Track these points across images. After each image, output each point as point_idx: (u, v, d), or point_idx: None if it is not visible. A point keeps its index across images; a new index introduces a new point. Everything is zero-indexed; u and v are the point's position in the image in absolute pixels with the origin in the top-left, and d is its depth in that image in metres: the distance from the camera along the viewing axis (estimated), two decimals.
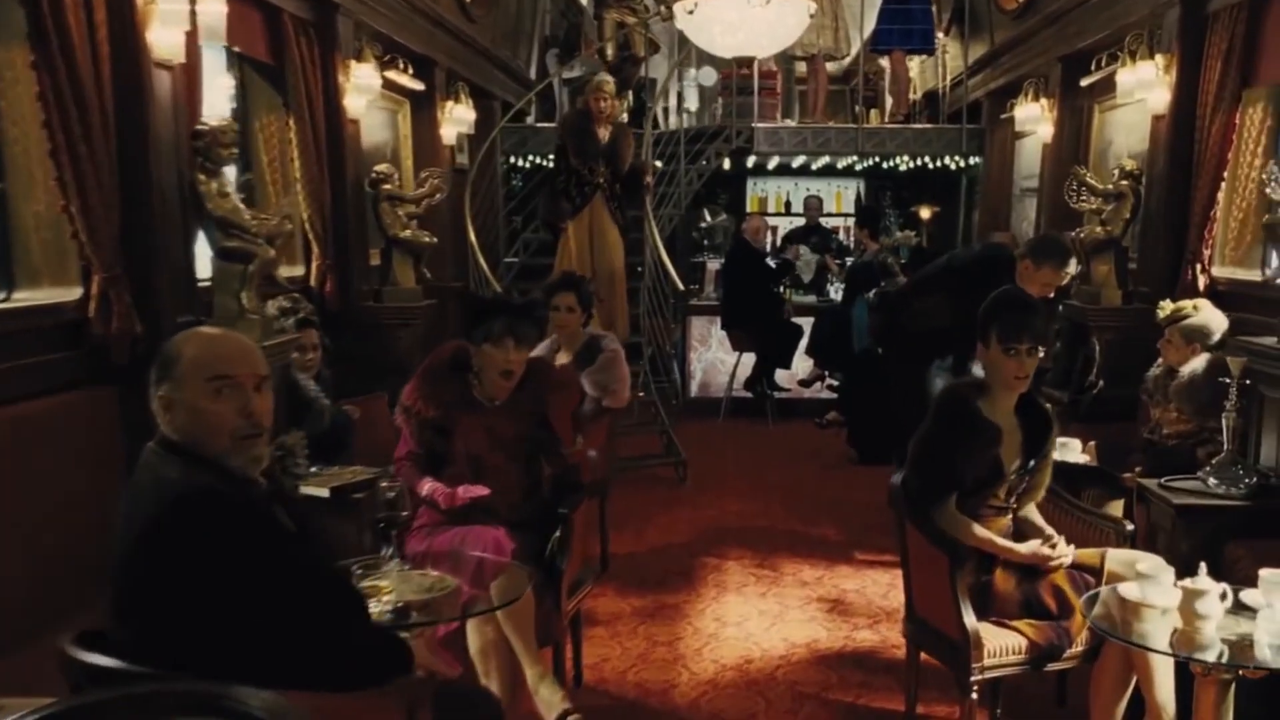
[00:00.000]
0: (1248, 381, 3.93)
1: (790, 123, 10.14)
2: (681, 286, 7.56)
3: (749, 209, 11.88)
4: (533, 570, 3.63)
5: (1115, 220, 5.70)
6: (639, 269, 7.76)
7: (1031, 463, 3.44)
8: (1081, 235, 5.78)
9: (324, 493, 4.01)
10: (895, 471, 6.22)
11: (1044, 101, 7.44)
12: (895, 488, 3.66)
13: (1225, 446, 3.92)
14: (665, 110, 12.28)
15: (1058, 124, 7.38)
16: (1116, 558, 3.35)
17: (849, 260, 9.89)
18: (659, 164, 9.05)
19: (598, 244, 7.27)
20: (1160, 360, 5.03)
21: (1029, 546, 3.35)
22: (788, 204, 12.00)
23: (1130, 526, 3.57)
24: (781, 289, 9.84)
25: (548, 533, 3.79)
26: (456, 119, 7.97)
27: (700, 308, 9.90)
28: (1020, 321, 3.32)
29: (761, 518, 6.58)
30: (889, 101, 11.06)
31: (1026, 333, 3.30)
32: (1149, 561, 3.15)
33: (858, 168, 11.08)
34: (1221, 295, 5.27)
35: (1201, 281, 5.37)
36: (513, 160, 10.32)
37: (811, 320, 9.38)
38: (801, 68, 11.45)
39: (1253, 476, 3.88)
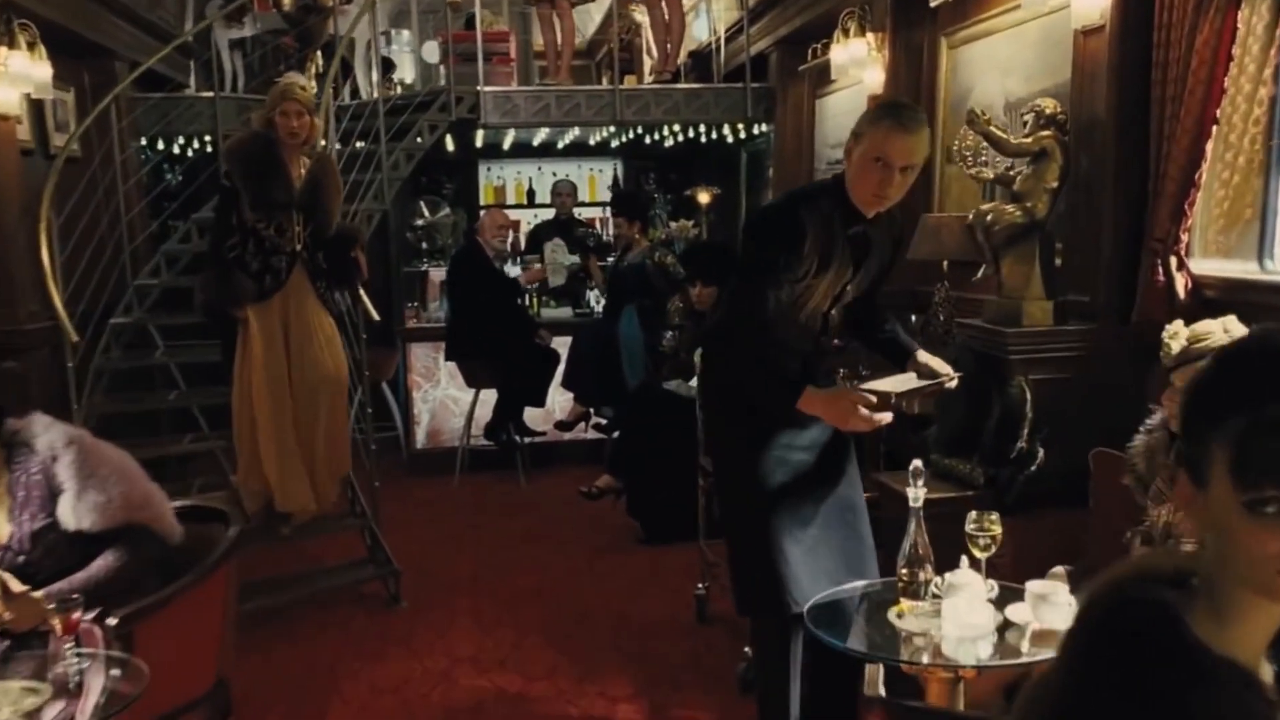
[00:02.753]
0: None
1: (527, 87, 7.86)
2: (376, 315, 5.15)
3: (483, 200, 9.56)
4: None
5: (1035, 193, 3.66)
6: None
7: None
8: (987, 219, 3.73)
9: None
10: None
11: (871, 38, 5.43)
12: None
13: None
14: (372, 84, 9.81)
15: (891, 67, 5.38)
16: None
17: (610, 260, 7.71)
18: (361, 143, 6.62)
19: (299, 343, 4.65)
20: (1156, 417, 3.04)
21: None
22: (530, 193, 9.74)
23: None
24: (526, 301, 7.58)
25: None
26: (15, 75, 5.25)
27: (422, 331, 7.54)
28: None
29: (511, 666, 4.27)
30: (648, 63, 8.94)
31: None
32: None
33: (614, 144, 8.94)
34: (1210, 305, 3.34)
35: (1180, 283, 3.41)
36: (160, 145, 7.63)
37: (568, 341, 7.19)
38: (539, 41, 9.18)
39: None
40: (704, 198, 7.90)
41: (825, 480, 3.10)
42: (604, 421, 7.11)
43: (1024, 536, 3.44)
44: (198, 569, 2.86)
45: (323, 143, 5.01)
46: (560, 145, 9.12)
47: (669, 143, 8.42)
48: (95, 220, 6.08)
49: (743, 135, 8.14)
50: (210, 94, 7.42)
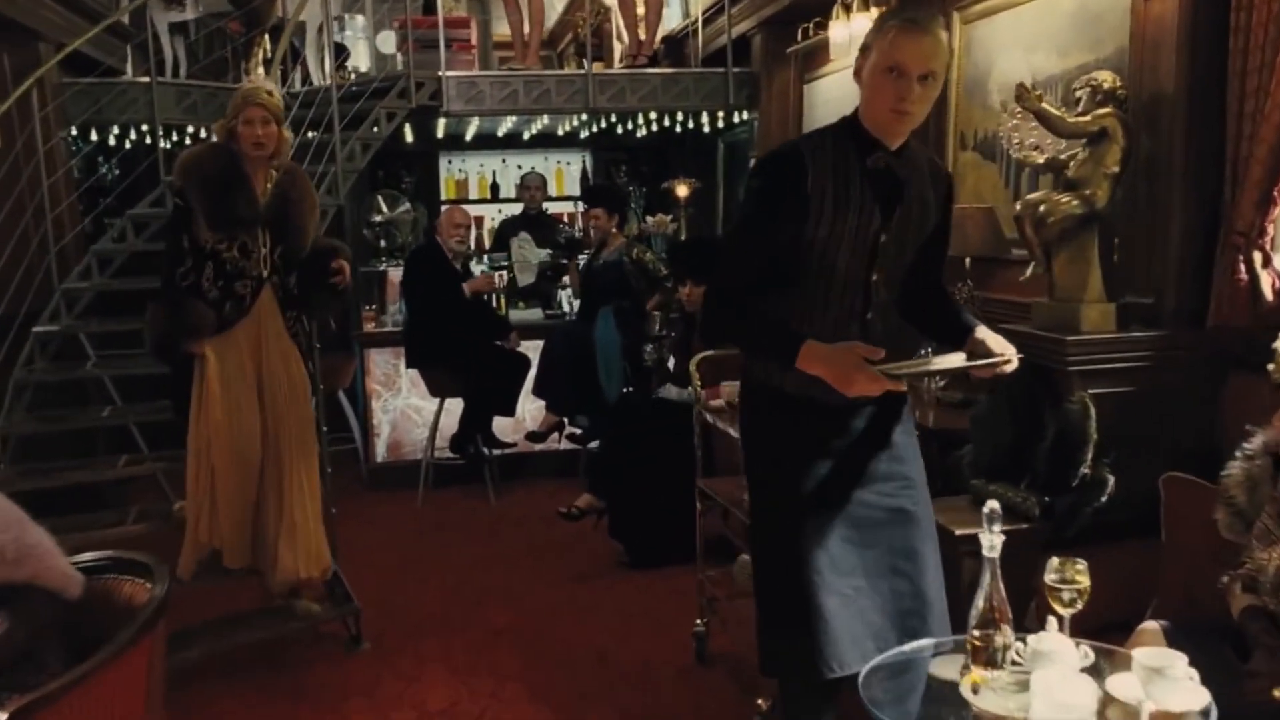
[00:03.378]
0: None
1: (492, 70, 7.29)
2: (332, 322, 4.61)
3: (444, 195, 9.02)
4: None
5: (1094, 180, 3.19)
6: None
7: None
8: (1039, 210, 3.25)
9: None
10: None
11: (875, 14, 4.94)
12: None
13: None
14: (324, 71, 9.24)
15: None
16: None
17: (585, 257, 7.18)
18: (312, 133, 6.07)
19: (270, 390, 4.07)
20: (1257, 441, 2.58)
21: None
22: (494, 187, 9.20)
23: None
24: (493, 299, 7.05)
25: None
26: None
27: (382, 336, 6.98)
28: None
29: None
30: (618, 49, 8.43)
31: None
32: None
33: (583, 135, 8.43)
34: None
35: (1266, 282, 2.96)
36: (93, 135, 7.04)
37: (539, 345, 6.66)
38: (504, 29, 8.65)
39: None
40: (682, 191, 7.41)
41: (878, 521, 2.61)
42: (579, 432, 6.62)
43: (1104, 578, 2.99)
44: (113, 643, 2.32)
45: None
46: (526, 136, 8.59)
47: (641, 133, 7.92)
48: (16, 216, 5.49)
49: (721, 124, 7.67)
50: (147, 79, 6.80)
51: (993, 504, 2.30)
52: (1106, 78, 3.26)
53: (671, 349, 5.38)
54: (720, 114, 7.36)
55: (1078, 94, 3.30)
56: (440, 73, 6.72)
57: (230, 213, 3.93)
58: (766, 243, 2.52)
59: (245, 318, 4.01)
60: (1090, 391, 3.12)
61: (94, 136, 7.07)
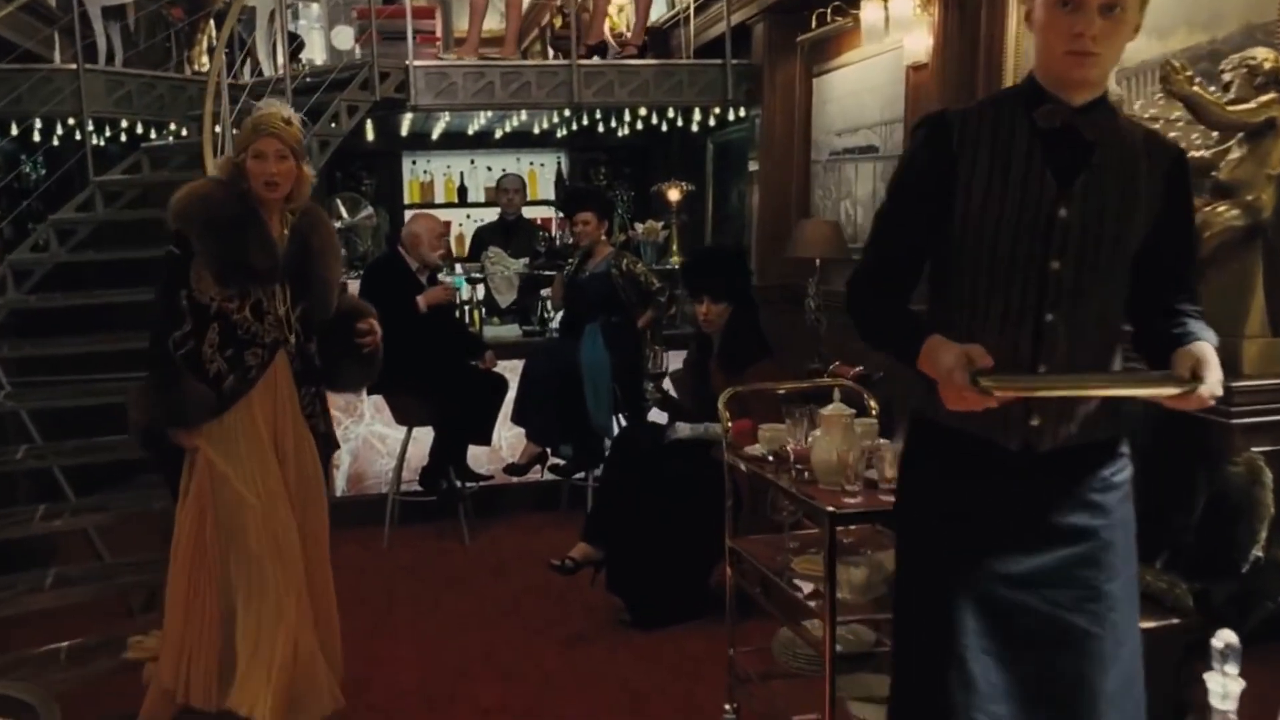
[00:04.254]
0: None
1: (467, 59, 6.55)
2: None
3: (408, 199, 8.32)
4: None
5: (1255, 184, 2.58)
6: None
7: None
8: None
9: None
10: None
11: None
12: None
13: None
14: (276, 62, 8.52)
15: (940, 28, 4.28)
16: None
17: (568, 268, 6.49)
18: None
19: (298, 483, 3.39)
20: None
21: None
22: (461, 190, 8.53)
23: None
24: (466, 315, 6.36)
25: None
26: None
27: None
28: None
29: None
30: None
31: None
32: None
33: (560, 133, 7.79)
34: None
35: None
36: (14, 128, 6.27)
37: (518, 366, 5.97)
38: (463, 25, 7.97)
39: None
40: (674, 194, 6.78)
41: (1038, 635, 1.97)
42: (562, 463, 5.94)
43: (1265, 686, 2.37)
44: None
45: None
46: (498, 135, 7.92)
47: (623, 132, 7.28)
48: None
49: (712, 123, 7.05)
50: (74, 66, 6.04)
51: (1229, 636, 1.66)
52: (1267, 56, 2.64)
53: (683, 377, 4.72)
54: (713, 111, 6.75)
55: (1226, 77, 2.68)
56: (408, 62, 6.03)
57: (245, 263, 3.18)
58: (908, 219, 2.09)
59: (254, 387, 3.26)
60: (1255, 450, 2.49)
61: (14, 130, 6.30)
